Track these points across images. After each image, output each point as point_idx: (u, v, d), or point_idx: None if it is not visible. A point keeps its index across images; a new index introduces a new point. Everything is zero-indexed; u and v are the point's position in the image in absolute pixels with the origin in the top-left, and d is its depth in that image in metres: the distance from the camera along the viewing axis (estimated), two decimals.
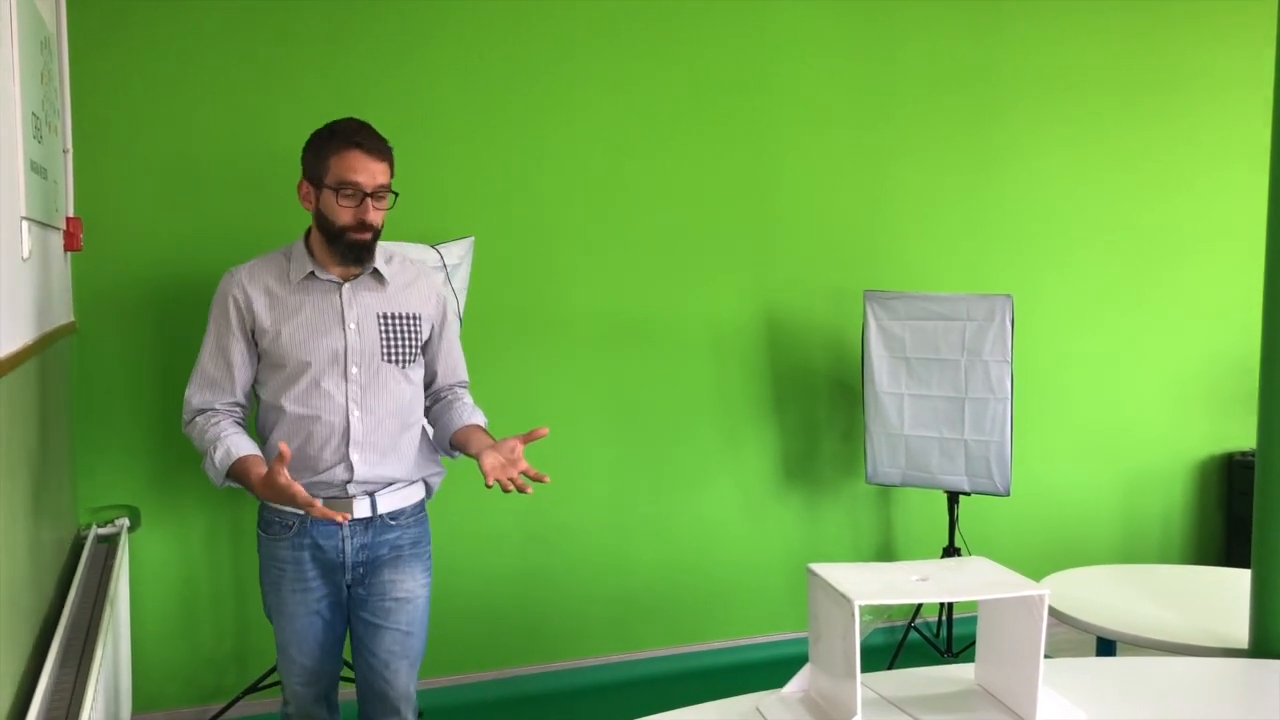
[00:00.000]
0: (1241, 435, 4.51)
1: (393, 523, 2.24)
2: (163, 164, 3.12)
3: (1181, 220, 4.40)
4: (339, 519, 2.00)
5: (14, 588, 1.83)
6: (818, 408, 3.95)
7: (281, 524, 2.21)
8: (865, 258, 3.95)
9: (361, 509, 2.19)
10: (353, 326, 2.16)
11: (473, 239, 3.22)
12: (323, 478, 2.16)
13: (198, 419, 2.18)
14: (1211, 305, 4.46)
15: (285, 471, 1.94)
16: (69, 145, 2.87)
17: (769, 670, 3.59)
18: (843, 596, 1.48)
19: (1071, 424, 4.30)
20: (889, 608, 3.92)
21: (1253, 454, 4.06)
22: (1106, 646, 2.53)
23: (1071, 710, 1.58)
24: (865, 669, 1.52)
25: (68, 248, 2.79)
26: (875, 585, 1.53)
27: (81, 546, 2.78)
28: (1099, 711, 1.63)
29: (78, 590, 2.40)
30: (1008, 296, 3.49)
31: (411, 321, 2.22)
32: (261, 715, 3.25)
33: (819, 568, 1.59)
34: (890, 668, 2.07)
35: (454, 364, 2.39)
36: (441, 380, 2.37)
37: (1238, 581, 2.72)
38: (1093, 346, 4.32)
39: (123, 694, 2.71)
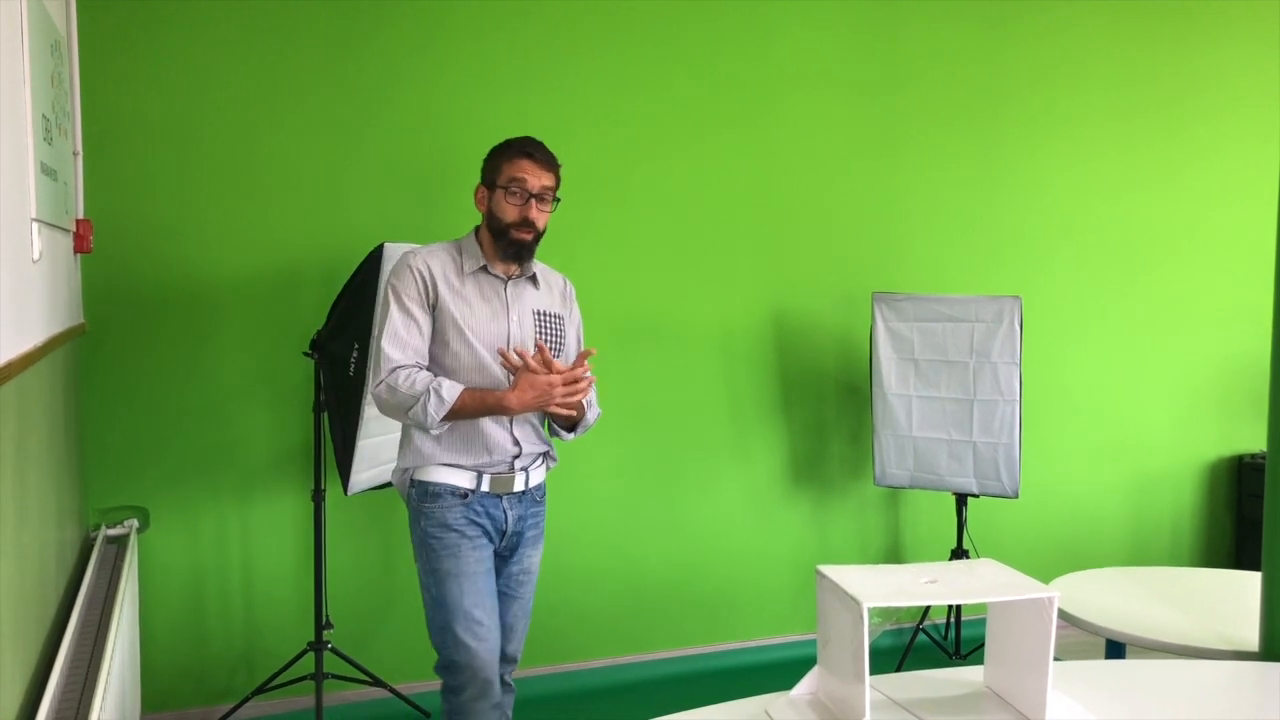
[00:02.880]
0: (1251, 437, 4.50)
1: (537, 497, 2.48)
2: (172, 166, 3.13)
3: (1191, 223, 4.39)
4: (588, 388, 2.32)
5: (24, 588, 1.84)
6: (826, 409, 3.95)
7: (454, 493, 2.35)
8: (874, 259, 3.94)
9: (520, 483, 2.40)
10: (514, 317, 2.41)
11: None
12: (494, 455, 2.35)
13: (399, 370, 2.29)
14: (1221, 307, 4.45)
15: (542, 361, 2.25)
16: (79, 148, 2.87)
17: (777, 672, 3.59)
18: (852, 599, 1.48)
19: (1080, 426, 4.29)
20: (897, 610, 3.91)
21: (1263, 456, 4.05)
22: (1116, 649, 2.52)
23: (1081, 713, 1.57)
24: (874, 671, 1.52)
25: (78, 249, 2.80)
26: (884, 587, 1.52)
27: (91, 547, 2.78)
28: (1108, 714, 1.63)
29: (87, 591, 2.41)
30: (1016, 298, 3.48)
31: (557, 320, 2.50)
32: (271, 716, 3.26)
33: (828, 570, 1.59)
34: (899, 670, 2.06)
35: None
36: None
37: (1247, 584, 2.71)
38: (1102, 348, 4.31)
39: (132, 694, 2.71)
